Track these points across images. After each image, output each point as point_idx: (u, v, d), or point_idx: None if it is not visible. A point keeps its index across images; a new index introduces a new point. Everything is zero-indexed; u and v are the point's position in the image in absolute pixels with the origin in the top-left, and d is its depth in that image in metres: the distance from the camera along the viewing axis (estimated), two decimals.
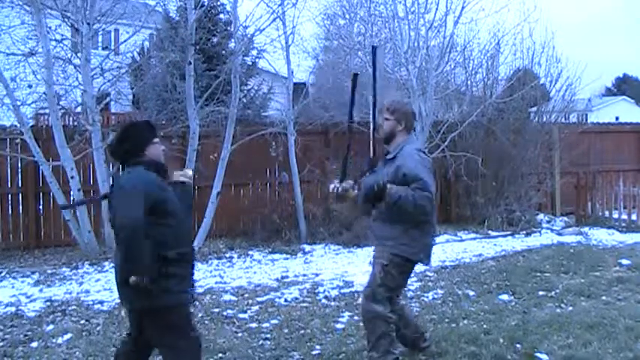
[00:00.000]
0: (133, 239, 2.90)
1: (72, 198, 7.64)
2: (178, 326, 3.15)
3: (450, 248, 8.23)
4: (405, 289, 5.45)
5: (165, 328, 3.12)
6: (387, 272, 3.74)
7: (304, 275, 6.76)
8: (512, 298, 5.68)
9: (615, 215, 9.94)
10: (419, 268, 4.01)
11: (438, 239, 8.52)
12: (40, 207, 8.18)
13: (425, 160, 3.78)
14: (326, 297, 5.81)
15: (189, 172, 3.54)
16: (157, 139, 3.24)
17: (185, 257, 3.17)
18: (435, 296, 5.76)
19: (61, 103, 7.85)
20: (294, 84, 9.22)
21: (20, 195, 8.18)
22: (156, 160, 3.20)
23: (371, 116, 3.86)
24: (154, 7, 9.06)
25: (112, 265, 6.93)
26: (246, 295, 5.88)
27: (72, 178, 7.44)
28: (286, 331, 4.80)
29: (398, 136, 3.86)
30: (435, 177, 3.73)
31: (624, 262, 7.02)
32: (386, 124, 3.89)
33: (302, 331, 4.79)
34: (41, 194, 8.15)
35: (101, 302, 5.65)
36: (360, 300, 5.51)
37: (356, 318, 5.08)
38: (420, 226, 3.73)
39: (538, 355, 4.14)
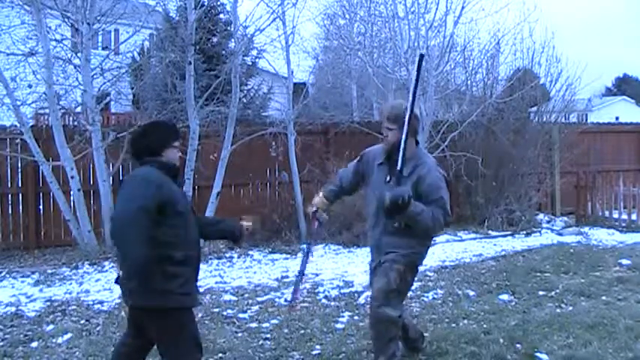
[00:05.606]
0: (125, 231, 2.83)
1: (71, 198, 7.63)
2: (178, 328, 3.12)
3: (450, 248, 8.22)
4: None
5: (165, 329, 3.11)
6: (402, 278, 3.70)
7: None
8: (512, 298, 5.68)
9: (615, 215, 9.94)
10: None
11: (438, 239, 8.54)
12: (40, 207, 8.18)
13: (443, 177, 3.74)
14: (326, 297, 5.80)
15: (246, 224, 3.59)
16: (177, 143, 3.25)
17: (191, 259, 3.15)
18: (435, 296, 5.76)
19: (61, 103, 7.84)
20: (294, 84, 9.23)
21: (20, 195, 8.18)
22: (170, 163, 3.20)
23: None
24: (154, 7, 9.04)
25: (112, 264, 7.01)
26: (246, 295, 5.88)
27: (72, 178, 7.45)
28: (286, 331, 4.80)
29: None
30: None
31: (624, 262, 7.01)
32: (390, 134, 3.65)
33: (302, 331, 4.79)
34: (41, 194, 8.14)
35: (101, 302, 5.65)
36: (360, 300, 5.54)
37: (356, 318, 5.09)
38: (428, 236, 3.81)
39: (538, 355, 4.14)
